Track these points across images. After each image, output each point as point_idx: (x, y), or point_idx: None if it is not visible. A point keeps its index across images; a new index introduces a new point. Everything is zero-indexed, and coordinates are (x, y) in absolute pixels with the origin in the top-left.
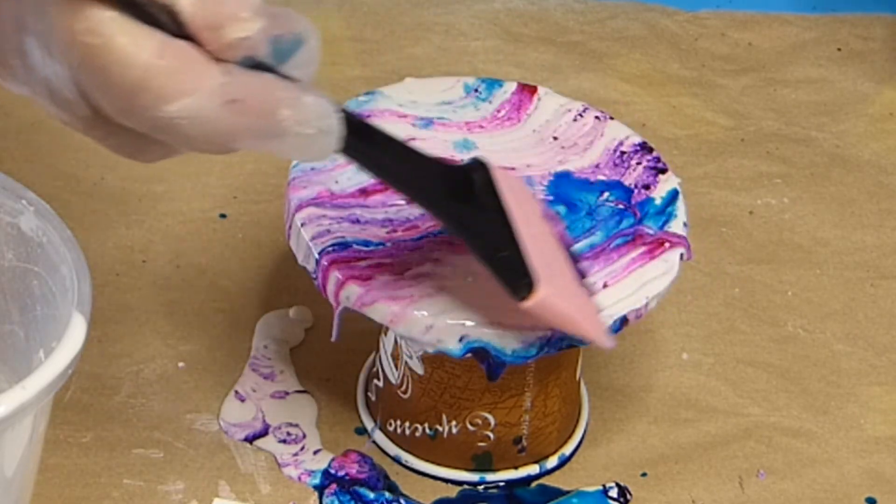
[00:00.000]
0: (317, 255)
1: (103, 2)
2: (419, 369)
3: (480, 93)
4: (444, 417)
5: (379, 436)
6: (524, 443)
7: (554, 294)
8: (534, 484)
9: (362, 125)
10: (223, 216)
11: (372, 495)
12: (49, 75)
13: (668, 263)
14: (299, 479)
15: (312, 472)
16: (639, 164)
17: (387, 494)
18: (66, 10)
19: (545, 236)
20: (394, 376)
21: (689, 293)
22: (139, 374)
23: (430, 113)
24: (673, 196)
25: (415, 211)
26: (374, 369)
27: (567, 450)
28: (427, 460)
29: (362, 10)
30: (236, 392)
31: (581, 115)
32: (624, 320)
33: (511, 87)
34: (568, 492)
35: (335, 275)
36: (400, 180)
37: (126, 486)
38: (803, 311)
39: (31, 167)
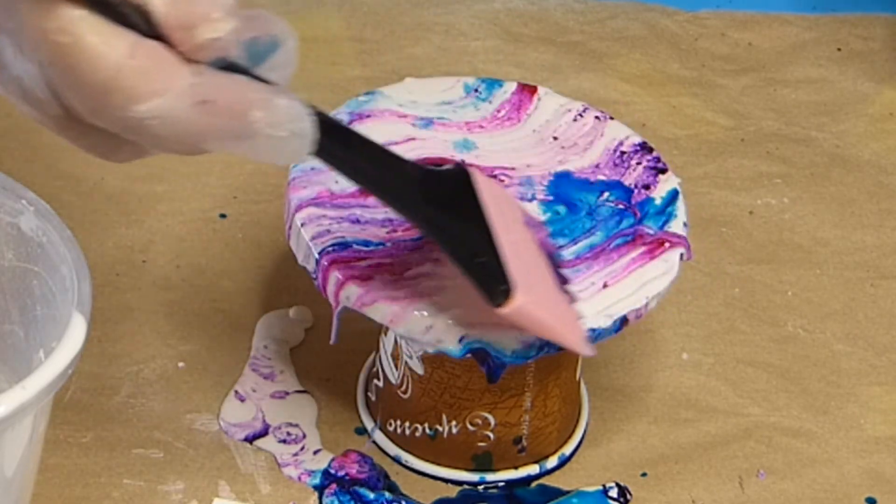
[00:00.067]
0: (317, 255)
1: (74, 1)
2: (419, 369)
3: (480, 93)
4: (444, 417)
5: (379, 436)
6: (524, 443)
7: (531, 301)
8: (534, 484)
9: (338, 128)
10: (223, 216)
11: (372, 495)
12: (20, 74)
13: (668, 263)
14: (299, 479)
15: (312, 472)
16: (639, 164)
17: (387, 494)
18: (37, 8)
19: (525, 243)
20: (394, 376)
21: (689, 293)
22: (139, 374)
23: (430, 113)
24: (673, 196)
25: None
26: (374, 369)
27: (567, 450)
28: (427, 460)
29: (362, 10)
30: (236, 392)
31: (581, 115)
32: (624, 320)
33: (511, 87)
34: (568, 492)
35: (335, 275)
36: (375, 184)
37: (126, 486)
38: (803, 311)
39: (31, 167)
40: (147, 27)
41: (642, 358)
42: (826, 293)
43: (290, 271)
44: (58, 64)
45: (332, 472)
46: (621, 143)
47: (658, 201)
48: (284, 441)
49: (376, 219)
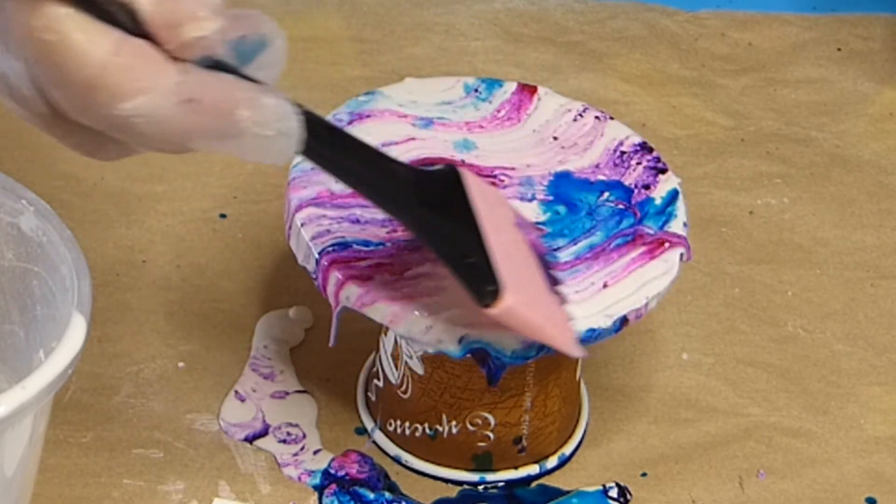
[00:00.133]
0: (317, 255)
1: None
2: (419, 369)
3: (480, 93)
4: (444, 417)
5: (379, 436)
6: (524, 443)
7: (520, 302)
8: (534, 484)
9: (326, 128)
10: (223, 216)
11: (372, 495)
12: (6, 71)
13: (668, 263)
14: (299, 479)
15: (312, 472)
16: (639, 164)
17: (387, 494)
18: (23, 5)
19: (516, 244)
20: (394, 376)
21: (689, 293)
22: (139, 374)
23: (430, 113)
24: (673, 196)
25: None
26: (374, 369)
27: (567, 450)
28: (427, 460)
29: (362, 10)
30: (236, 392)
31: (581, 115)
32: (624, 320)
33: (511, 87)
34: (568, 492)
35: (335, 275)
36: (364, 184)
37: (126, 486)
38: (803, 311)
39: (31, 167)
40: (133, 25)
41: (642, 358)
42: (826, 293)
43: (290, 271)
44: (43, 61)
45: (332, 472)
46: (621, 143)
47: (658, 201)
48: (284, 441)
49: (376, 219)
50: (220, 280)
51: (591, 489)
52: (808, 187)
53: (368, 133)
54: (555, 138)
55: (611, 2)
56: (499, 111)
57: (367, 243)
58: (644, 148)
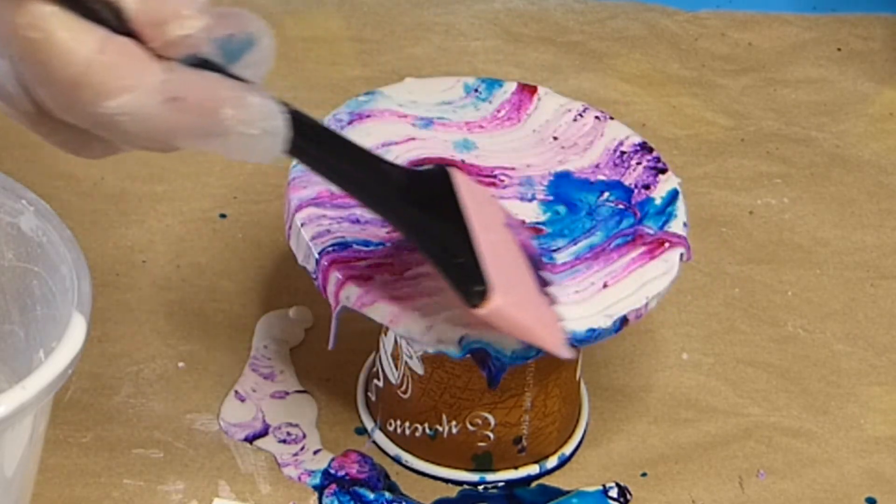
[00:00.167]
0: (317, 255)
1: None
2: (419, 369)
3: (480, 93)
4: (444, 417)
5: (379, 436)
6: (524, 443)
7: (508, 303)
8: (534, 484)
9: (312, 127)
10: (223, 216)
11: (372, 495)
12: None
13: (668, 263)
14: (299, 479)
15: (312, 472)
16: (639, 164)
17: (387, 494)
18: (8, 3)
19: (505, 244)
20: (394, 376)
21: (689, 293)
22: (139, 374)
23: (430, 113)
24: (673, 196)
25: None
26: (374, 369)
27: (567, 450)
28: (427, 460)
29: (362, 10)
30: (236, 392)
31: (581, 115)
32: (624, 320)
33: (511, 87)
34: (568, 492)
35: (335, 275)
36: (351, 183)
37: (126, 486)
38: (803, 311)
39: (31, 167)
40: (118, 23)
41: (642, 358)
42: (826, 293)
43: (290, 271)
44: (28, 59)
45: (332, 472)
46: (621, 143)
47: (658, 201)
48: (284, 441)
49: (376, 219)
50: (220, 280)
51: (591, 489)
52: (808, 187)
53: (368, 133)
54: (555, 138)
55: (611, 2)
56: (499, 111)
57: (367, 243)
58: (644, 148)
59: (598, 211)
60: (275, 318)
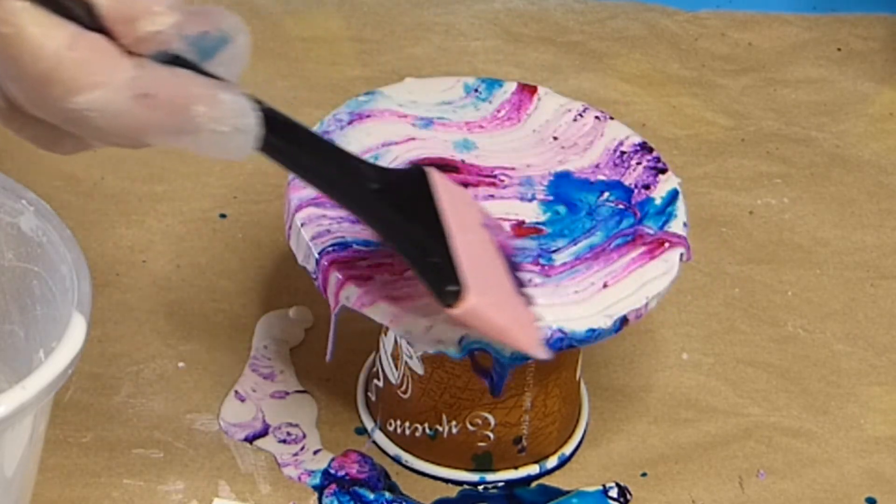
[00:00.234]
0: (317, 255)
1: None
2: (419, 369)
3: (480, 93)
4: (444, 417)
5: (379, 436)
6: (524, 443)
7: (483, 303)
8: (534, 484)
9: (286, 125)
10: (223, 216)
11: (372, 495)
12: None
13: (668, 263)
14: (299, 479)
15: (312, 472)
16: (639, 164)
17: (387, 494)
18: None
19: (482, 245)
20: (394, 376)
21: (689, 293)
22: (139, 374)
23: (430, 113)
24: (673, 196)
25: None
26: (374, 369)
27: (567, 450)
28: (427, 460)
29: (362, 10)
30: (236, 392)
31: (581, 115)
32: (624, 320)
33: (511, 87)
34: (568, 492)
35: (335, 275)
36: (324, 182)
37: (126, 486)
38: (803, 311)
39: (31, 167)
40: (90, 20)
41: (642, 358)
42: (826, 293)
43: (290, 271)
44: None
45: (332, 472)
46: (621, 143)
47: (658, 201)
48: (284, 441)
49: None
50: (220, 280)
51: (591, 489)
52: (808, 187)
53: (368, 133)
54: (555, 138)
55: (611, 2)
56: (499, 111)
57: (367, 243)
58: (644, 148)
59: (598, 211)
60: (275, 318)
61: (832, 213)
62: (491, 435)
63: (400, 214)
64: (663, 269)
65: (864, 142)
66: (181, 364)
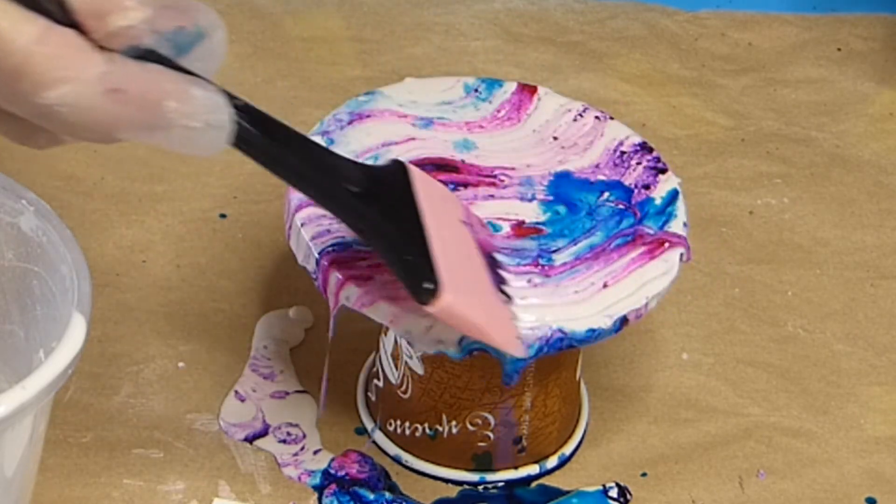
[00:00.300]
0: (317, 255)
1: None
2: (419, 369)
3: (480, 93)
4: (444, 417)
5: (379, 436)
6: (524, 443)
7: (459, 301)
8: (534, 484)
9: (261, 121)
10: (223, 216)
11: (372, 495)
12: None
13: (668, 263)
14: (299, 479)
15: (312, 472)
16: (639, 164)
17: (387, 494)
18: None
19: (460, 242)
20: (394, 376)
21: (689, 293)
22: (139, 374)
23: (430, 113)
24: (673, 196)
25: None
26: (374, 369)
27: (567, 450)
28: (427, 460)
29: (362, 10)
30: (236, 392)
31: (581, 115)
32: (624, 320)
33: (511, 87)
34: (568, 492)
35: (335, 275)
36: (299, 178)
37: (126, 486)
38: (803, 311)
39: (31, 167)
40: (62, 14)
41: (642, 358)
42: (826, 293)
43: (290, 271)
44: None
45: (332, 472)
46: (621, 143)
47: (658, 201)
48: (284, 441)
49: None
50: (220, 280)
51: (591, 489)
52: (808, 187)
53: (368, 133)
54: (555, 138)
55: (611, 2)
56: (499, 111)
57: None
58: (644, 148)
59: (598, 211)
60: (275, 318)
61: (832, 213)
62: (491, 435)
63: (377, 212)
64: (663, 269)
65: (864, 142)
66: (181, 364)
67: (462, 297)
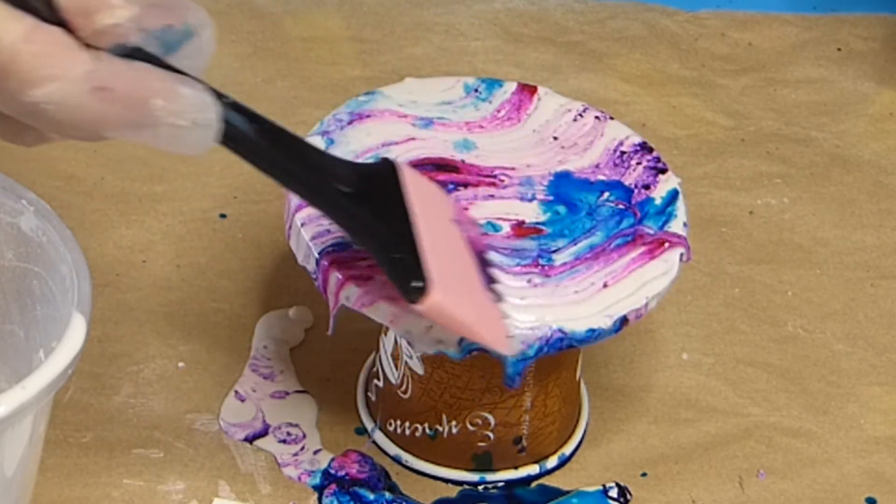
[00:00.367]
0: (317, 255)
1: None
2: (419, 369)
3: (480, 93)
4: (444, 417)
5: (379, 436)
6: (524, 443)
7: (447, 300)
8: (534, 484)
9: (249, 119)
10: (223, 216)
11: (372, 495)
12: None
13: (668, 263)
14: (299, 479)
15: (312, 472)
16: (639, 164)
17: (387, 494)
18: None
19: (450, 240)
20: (394, 376)
21: (689, 293)
22: (139, 374)
23: (430, 113)
24: (673, 196)
25: None
26: (374, 369)
27: (567, 450)
28: (427, 460)
29: (362, 10)
30: (236, 392)
31: (581, 115)
32: (624, 320)
33: (511, 87)
34: (568, 492)
35: (335, 275)
36: (287, 177)
37: (126, 486)
38: (803, 311)
39: (31, 167)
40: (49, 12)
41: (642, 358)
42: (826, 293)
43: (290, 271)
44: None
45: (332, 472)
46: (621, 143)
47: (658, 201)
48: (284, 441)
49: None
50: (220, 280)
51: (591, 489)
52: (808, 187)
53: (368, 133)
54: (555, 138)
55: (611, 2)
56: (499, 111)
57: None
58: (644, 148)
59: (598, 211)
60: (275, 318)
61: (832, 213)
62: (491, 435)
63: (367, 211)
64: (663, 269)
65: (864, 142)
66: (181, 364)
67: (451, 295)
